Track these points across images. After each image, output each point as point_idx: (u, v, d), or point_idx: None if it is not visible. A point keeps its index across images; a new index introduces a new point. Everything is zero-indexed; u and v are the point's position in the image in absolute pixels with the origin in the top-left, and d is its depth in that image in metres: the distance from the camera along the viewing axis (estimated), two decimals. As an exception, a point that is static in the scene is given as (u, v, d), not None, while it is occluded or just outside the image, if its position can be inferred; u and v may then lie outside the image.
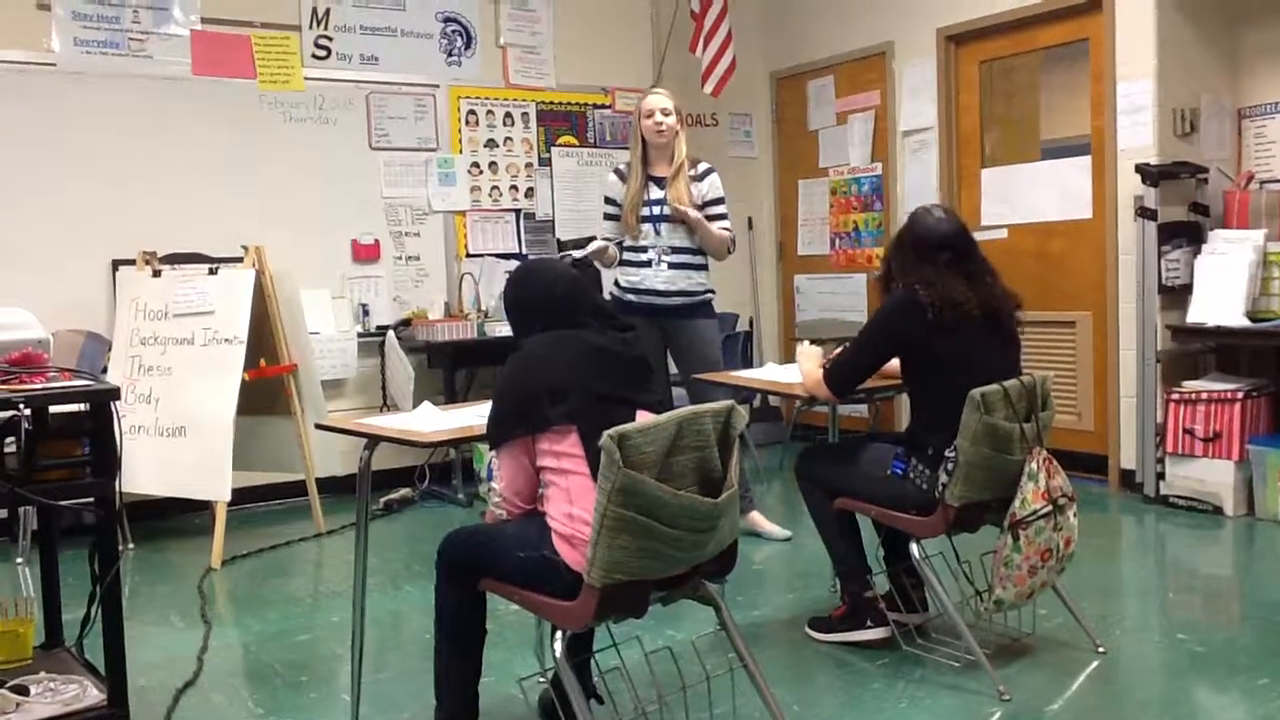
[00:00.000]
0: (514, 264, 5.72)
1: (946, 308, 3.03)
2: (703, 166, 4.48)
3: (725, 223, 4.47)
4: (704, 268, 4.49)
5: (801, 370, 3.36)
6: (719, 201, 4.47)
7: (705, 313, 4.54)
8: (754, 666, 2.60)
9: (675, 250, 4.40)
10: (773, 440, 6.66)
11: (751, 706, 2.74)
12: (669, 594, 2.48)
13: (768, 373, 4.00)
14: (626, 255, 4.50)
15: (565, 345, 2.46)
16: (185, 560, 4.60)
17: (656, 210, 4.41)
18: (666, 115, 4.37)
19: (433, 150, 6.06)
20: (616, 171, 4.58)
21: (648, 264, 4.44)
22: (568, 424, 2.35)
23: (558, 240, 6.30)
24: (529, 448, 2.42)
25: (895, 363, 3.23)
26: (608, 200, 4.56)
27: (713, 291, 4.55)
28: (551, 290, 2.57)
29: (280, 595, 4.11)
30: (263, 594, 4.14)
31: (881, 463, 3.20)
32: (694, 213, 4.34)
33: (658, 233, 4.41)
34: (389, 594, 4.04)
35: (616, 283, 4.54)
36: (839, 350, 3.31)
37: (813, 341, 3.56)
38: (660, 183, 4.42)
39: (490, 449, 2.49)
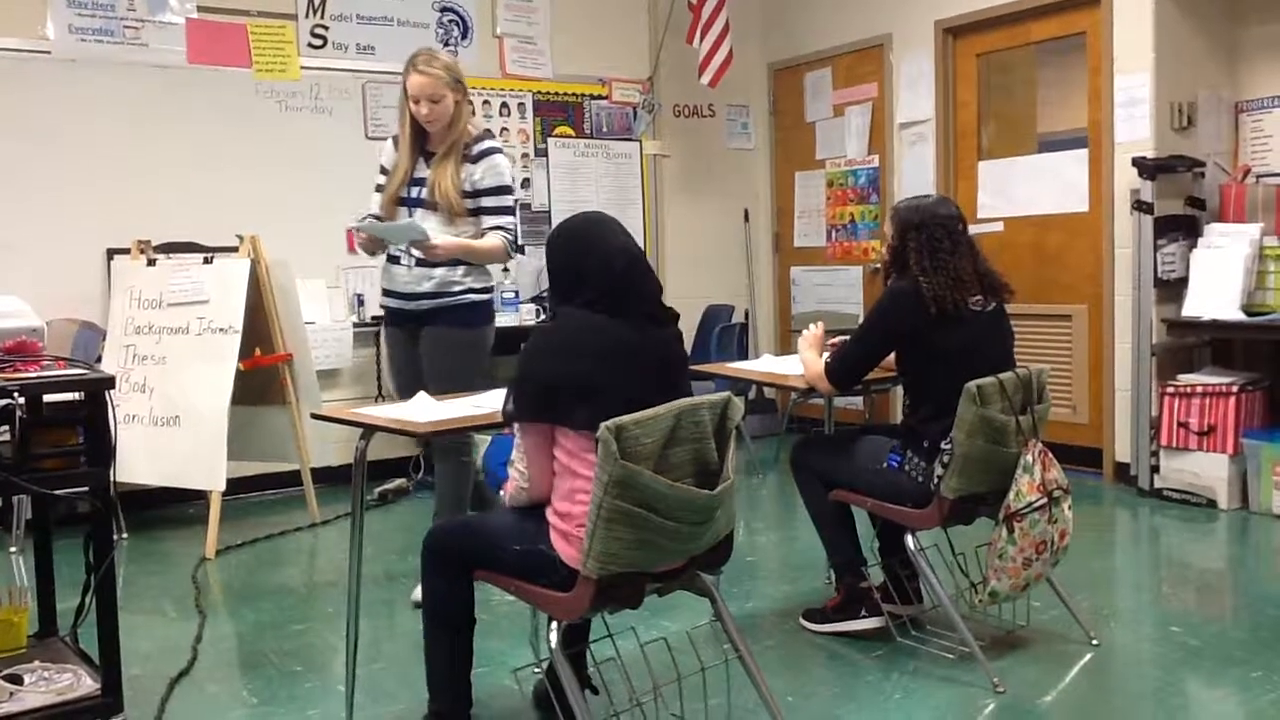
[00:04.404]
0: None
1: (948, 298, 3.03)
2: (480, 146, 3.61)
3: (501, 219, 3.60)
4: (463, 264, 3.62)
5: (802, 359, 3.35)
6: (496, 191, 3.61)
7: (458, 319, 3.63)
8: (749, 658, 2.60)
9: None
10: (768, 432, 6.67)
11: (746, 697, 2.74)
12: (664, 585, 2.47)
13: (764, 364, 3.99)
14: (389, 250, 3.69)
15: (601, 336, 2.35)
16: (179, 550, 4.59)
17: (414, 192, 3.61)
18: (436, 102, 3.52)
19: (429, 140, 6.04)
20: (394, 138, 3.76)
21: (397, 259, 3.65)
22: (590, 431, 2.24)
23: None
24: (548, 433, 2.38)
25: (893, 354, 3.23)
26: (381, 169, 3.77)
27: (479, 292, 3.69)
28: (610, 265, 2.40)
29: (275, 585, 4.11)
30: (257, 584, 4.13)
31: (877, 455, 3.21)
32: (448, 244, 3.49)
33: (410, 218, 3.59)
34: (383, 584, 4.04)
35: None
36: (840, 342, 3.30)
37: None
38: (431, 160, 3.62)
39: (506, 425, 2.45)
